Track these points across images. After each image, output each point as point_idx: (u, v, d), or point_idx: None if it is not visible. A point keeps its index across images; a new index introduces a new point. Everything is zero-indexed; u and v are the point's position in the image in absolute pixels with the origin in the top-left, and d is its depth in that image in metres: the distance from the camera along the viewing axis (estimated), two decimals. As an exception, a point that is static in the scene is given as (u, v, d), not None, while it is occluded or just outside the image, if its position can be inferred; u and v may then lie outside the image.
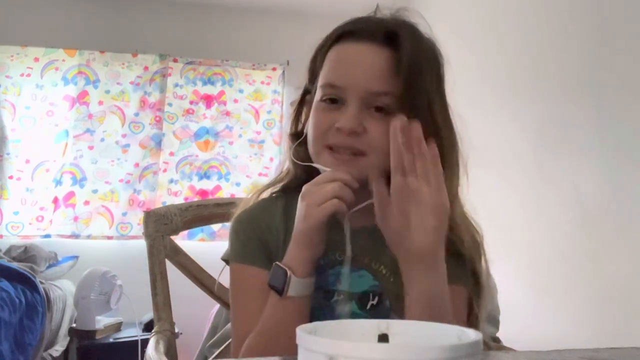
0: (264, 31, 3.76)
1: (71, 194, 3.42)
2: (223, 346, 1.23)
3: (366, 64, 0.80)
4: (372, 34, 0.81)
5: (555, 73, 2.21)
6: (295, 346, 0.53)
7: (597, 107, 1.96)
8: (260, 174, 3.62)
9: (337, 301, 0.84)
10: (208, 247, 3.27)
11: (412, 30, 0.83)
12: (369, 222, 0.82)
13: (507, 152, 2.50)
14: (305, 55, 0.89)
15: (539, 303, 2.18)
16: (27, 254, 2.98)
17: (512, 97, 2.51)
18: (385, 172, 0.83)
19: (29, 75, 3.45)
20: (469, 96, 2.73)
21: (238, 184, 3.61)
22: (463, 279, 0.82)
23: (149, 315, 2.70)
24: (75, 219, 3.41)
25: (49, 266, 3.03)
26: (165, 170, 3.58)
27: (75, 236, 3.40)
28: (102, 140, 3.50)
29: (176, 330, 1.14)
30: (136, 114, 3.56)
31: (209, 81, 3.68)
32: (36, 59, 3.46)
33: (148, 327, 2.71)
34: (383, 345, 0.46)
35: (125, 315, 2.90)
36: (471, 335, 0.43)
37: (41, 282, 2.75)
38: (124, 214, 3.48)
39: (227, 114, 3.67)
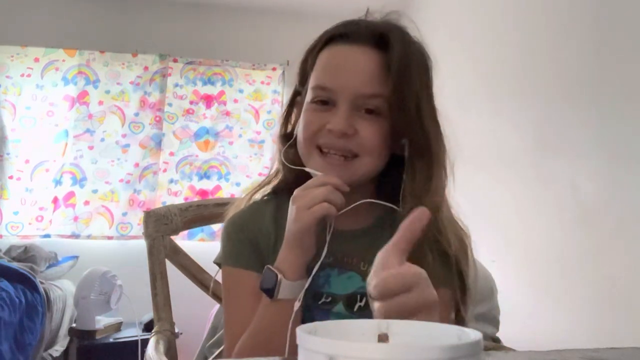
0: (264, 31, 3.76)
1: (71, 194, 3.42)
2: (223, 346, 1.22)
3: (357, 66, 0.81)
4: (362, 36, 0.82)
5: (552, 73, 2.21)
6: (285, 348, 0.53)
7: (594, 106, 1.96)
8: (260, 174, 3.61)
9: (325, 303, 0.84)
10: (208, 247, 3.27)
11: (402, 33, 0.83)
12: (359, 225, 0.84)
13: (505, 152, 2.50)
14: (301, 54, 0.89)
15: (538, 303, 2.18)
16: (27, 254, 2.98)
17: (509, 97, 2.51)
18: (376, 174, 0.84)
19: (29, 75, 3.45)
20: (467, 96, 2.73)
21: (238, 184, 3.61)
22: (449, 281, 0.82)
23: (149, 315, 2.70)
24: (75, 219, 3.41)
25: (49, 266, 3.03)
26: (165, 170, 3.58)
27: (75, 236, 3.40)
28: (102, 140, 3.50)
29: (176, 330, 1.14)
30: (136, 114, 3.56)
31: (209, 81, 3.68)
32: (36, 59, 3.46)
33: (148, 327, 2.71)
34: (383, 345, 0.46)
35: (125, 315, 2.90)
36: (471, 335, 0.43)
37: (41, 282, 2.75)
38: (124, 214, 3.48)
39: (227, 114, 3.67)
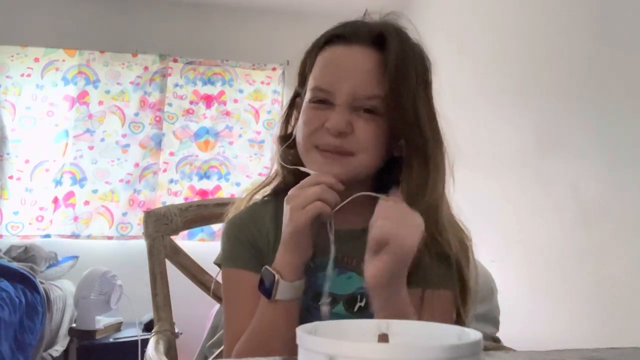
0: (264, 31, 3.76)
1: (71, 194, 3.42)
2: (223, 346, 1.22)
3: (355, 67, 0.81)
4: (360, 36, 0.82)
5: (552, 73, 2.21)
6: (284, 348, 0.53)
7: (594, 107, 1.96)
8: (260, 174, 3.61)
9: (325, 303, 0.85)
10: (208, 247, 3.26)
11: (400, 34, 0.84)
12: (358, 225, 0.83)
13: (505, 153, 2.50)
14: (300, 55, 0.90)
15: (538, 303, 2.18)
16: (27, 254, 2.98)
17: (509, 98, 2.51)
18: (372, 172, 0.84)
19: (29, 75, 3.44)
20: (466, 97, 2.73)
21: (238, 184, 3.61)
22: (449, 282, 0.83)
23: (149, 315, 2.70)
24: (75, 219, 3.41)
25: (49, 266, 3.03)
26: (165, 170, 3.58)
27: (75, 236, 3.40)
28: (102, 140, 3.50)
29: (176, 330, 1.14)
30: (136, 114, 3.56)
31: (209, 81, 3.68)
32: (36, 59, 3.46)
33: (148, 327, 2.71)
34: (383, 345, 0.46)
35: (125, 315, 2.90)
36: (471, 335, 0.43)
37: (41, 282, 2.75)
38: (124, 214, 3.48)
39: (227, 114, 3.67)
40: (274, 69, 3.72)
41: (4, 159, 3.37)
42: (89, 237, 3.42)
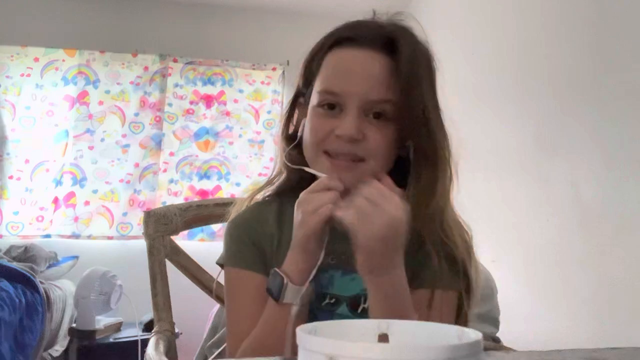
0: (264, 31, 3.76)
1: (71, 194, 3.42)
2: (223, 346, 1.22)
3: (365, 71, 0.81)
4: (370, 40, 0.82)
5: (553, 73, 2.21)
6: (290, 351, 0.53)
7: (594, 107, 1.96)
8: (260, 174, 3.62)
9: (328, 304, 0.85)
10: (208, 247, 3.27)
11: (410, 36, 0.83)
12: None
13: (505, 152, 2.50)
14: (305, 54, 0.89)
15: (538, 303, 2.18)
16: (27, 254, 2.98)
17: (509, 97, 2.51)
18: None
19: (29, 75, 3.44)
20: (467, 97, 2.73)
21: (238, 184, 3.61)
22: (455, 283, 0.83)
23: (149, 315, 2.70)
24: (76, 219, 3.41)
25: (49, 266, 3.03)
26: (165, 170, 3.58)
27: (75, 236, 3.40)
28: (102, 140, 3.50)
29: (176, 330, 1.14)
30: (136, 114, 3.56)
31: (209, 81, 3.68)
32: (36, 59, 3.46)
33: (148, 327, 2.71)
34: (383, 345, 0.46)
35: (125, 315, 2.90)
36: (471, 335, 0.43)
37: (41, 282, 2.75)
38: (124, 214, 3.48)
39: (227, 114, 3.67)
40: (274, 69, 3.72)
41: (4, 159, 3.37)
42: (89, 237, 3.42)
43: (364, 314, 0.83)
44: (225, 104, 3.67)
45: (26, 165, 3.39)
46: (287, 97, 3.69)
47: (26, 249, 3.01)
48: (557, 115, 2.16)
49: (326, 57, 0.85)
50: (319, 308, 0.84)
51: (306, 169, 0.83)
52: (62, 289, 2.92)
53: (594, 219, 1.92)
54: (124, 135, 3.53)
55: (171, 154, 3.59)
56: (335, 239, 0.78)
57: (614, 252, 1.81)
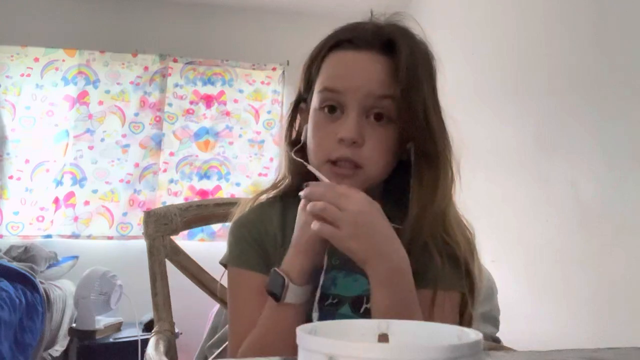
0: (264, 31, 3.76)
1: (71, 194, 3.42)
2: (223, 346, 1.23)
3: (365, 70, 0.81)
4: (369, 42, 0.82)
5: (553, 73, 2.21)
6: (290, 351, 0.53)
7: (594, 106, 1.96)
8: (260, 174, 3.62)
9: (331, 304, 0.85)
10: (208, 247, 3.27)
11: (408, 36, 0.83)
12: None
13: (504, 152, 2.51)
14: (305, 55, 0.89)
15: (538, 303, 2.18)
16: (27, 254, 2.98)
17: (509, 97, 2.51)
18: (382, 180, 0.85)
19: (29, 75, 3.45)
20: (467, 96, 2.73)
21: (238, 184, 3.61)
22: (458, 283, 0.83)
23: (149, 315, 2.70)
24: (76, 219, 3.41)
25: (49, 266, 3.04)
26: (165, 170, 3.58)
27: (75, 236, 3.40)
28: (102, 140, 3.50)
29: (176, 330, 1.14)
30: (136, 114, 3.56)
31: (209, 81, 3.68)
32: (36, 59, 3.46)
33: (148, 327, 2.71)
34: (383, 345, 0.46)
35: (125, 315, 2.90)
36: (471, 335, 0.43)
37: (41, 282, 2.75)
38: (124, 214, 3.48)
39: (227, 114, 3.67)
40: (274, 69, 3.72)
41: (4, 159, 3.37)
42: (89, 237, 3.42)
43: (367, 315, 0.83)
44: (225, 104, 3.67)
45: (26, 165, 3.39)
46: (287, 97, 3.69)
47: (26, 249, 3.01)
48: (557, 115, 2.16)
49: (326, 59, 0.85)
50: (321, 308, 0.84)
51: (312, 169, 0.83)
52: (62, 289, 2.92)
53: (594, 219, 1.92)
54: (124, 135, 3.53)
55: (171, 154, 3.60)
56: None
57: (614, 252, 1.81)
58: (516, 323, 1.93)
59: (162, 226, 1.14)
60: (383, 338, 0.49)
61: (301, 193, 0.77)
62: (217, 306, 1.92)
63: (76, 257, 3.20)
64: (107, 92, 3.53)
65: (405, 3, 3.18)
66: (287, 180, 0.91)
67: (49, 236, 3.36)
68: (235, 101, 3.69)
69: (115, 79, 3.55)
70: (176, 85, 3.64)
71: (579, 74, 2.05)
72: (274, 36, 3.74)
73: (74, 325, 2.79)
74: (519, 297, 2.20)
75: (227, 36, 3.73)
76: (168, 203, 3.32)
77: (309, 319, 0.80)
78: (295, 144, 0.88)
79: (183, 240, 3.28)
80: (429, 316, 0.78)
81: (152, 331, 1.08)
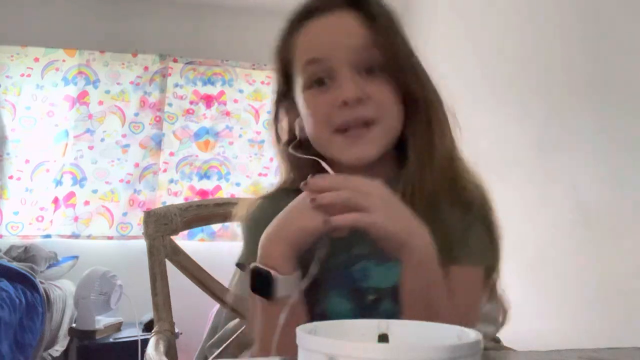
0: (264, 31, 3.71)
1: (71, 194, 3.42)
2: (223, 346, 1.23)
3: (343, 28, 0.80)
4: (335, 2, 0.81)
5: (555, 72, 2.21)
6: (289, 348, 0.51)
7: (596, 106, 1.96)
8: (260, 174, 3.62)
9: (373, 300, 0.78)
10: (208, 247, 3.28)
11: None
12: None
13: (507, 152, 2.50)
14: (275, 46, 0.89)
15: (538, 303, 2.18)
16: (27, 254, 2.98)
17: (512, 97, 2.51)
18: (394, 138, 0.81)
19: (29, 75, 3.45)
20: (468, 95, 2.73)
21: (238, 184, 3.61)
22: (478, 254, 0.79)
23: (149, 315, 2.70)
24: (76, 219, 3.41)
25: (49, 266, 3.03)
26: (165, 170, 3.58)
27: (75, 236, 3.40)
28: (102, 140, 3.50)
29: (176, 330, 1.14)
30: (136, 114, 3.56)
31: (209, 81, 3.68)
32: (36, 59, 3.46)
33: (148, 327, 2.71)
34: (383, 345, 0.46)
35: (125, 315, 2.90)
36: (471, 335, 0.43)
37: (41, 282, 2.75)
38: (124, 214, 3.48)
39: (227, 114, 3.67)
40: (274, 69, 3.71)
41: (4, 159, 3.37)
42: (89, 237, 3.42)
43: None
44: (225, 104, 3.67)
45: (26, 165, 3.39)
46: (287, 97, 3.69)
47: (26, 249, 3.01)
48: (557, 115, 2.16)
49: (298, 35, 0.84)
50: (363, 306, 0.78)
51: (316, 158, 0.80)
52: (62, 289, 2.92)
53: (594, 219, 1.92)
54: (124, 135, 3.53)
55: (171, 154, 3.60)
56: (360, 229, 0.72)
57: (614, 251, 1.81)
58: (516, 323, 1.93)
59: (162, 226, 1.14)
60: (383, 338, 0.49)
61: (302, 185, 0.71)
62: (217, 306, 1.92)
63: (76, 257, 3.20)
64: (107, 92, 3.53)
65: (406, 3, 3.18)
66: (291, 180, 0.88)
67: (48, 236, 3.36)
68: (235, 101, 3.69)
69: (115, 79, 3.55)
70: (176, 85, 3.64)
71: (580, 74, 2.05)
72: (274, 36, 3.73)
73: (74, 325, 2.79)
74: (519, 297, 2.19)
75: (227, 36, 3.73)
76: (168, 203, 3.33)
77: (348, 316, 0.75)
78: (290, 142, 0.87)
79: (183, 240, 3.28)
80: (449, 291, 0.73)
81: (152, 331, 1.08)
